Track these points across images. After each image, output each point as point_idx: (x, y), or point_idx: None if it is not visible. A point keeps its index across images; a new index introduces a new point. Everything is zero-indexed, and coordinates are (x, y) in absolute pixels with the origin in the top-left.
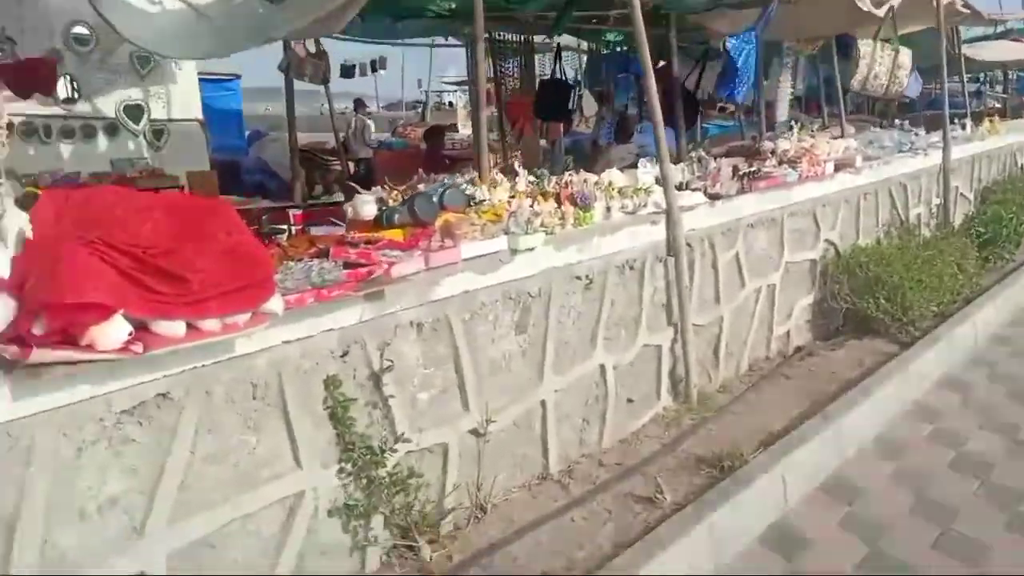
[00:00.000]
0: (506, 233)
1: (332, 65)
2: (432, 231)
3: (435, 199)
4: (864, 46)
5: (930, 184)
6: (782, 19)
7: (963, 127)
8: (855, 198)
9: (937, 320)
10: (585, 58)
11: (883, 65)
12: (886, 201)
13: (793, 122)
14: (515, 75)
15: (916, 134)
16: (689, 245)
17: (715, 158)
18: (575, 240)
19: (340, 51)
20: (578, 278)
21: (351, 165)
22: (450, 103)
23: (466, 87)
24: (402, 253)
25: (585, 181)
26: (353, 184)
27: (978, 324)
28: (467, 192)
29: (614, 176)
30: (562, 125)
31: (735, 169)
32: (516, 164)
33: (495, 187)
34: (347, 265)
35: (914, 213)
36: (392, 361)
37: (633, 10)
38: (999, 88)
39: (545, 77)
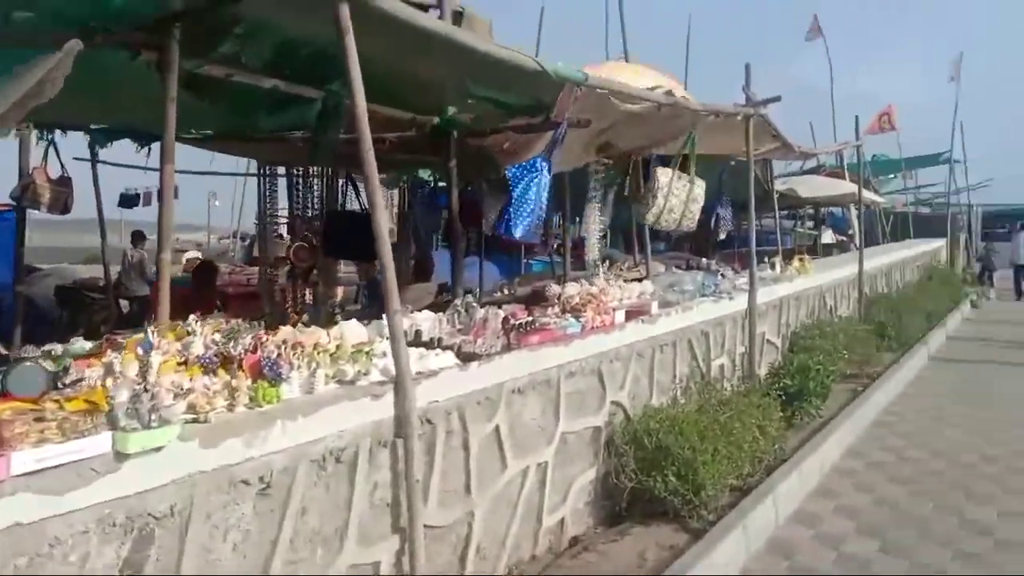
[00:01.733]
0: (115, 428)
1: (112, 192)
2: None
3: None
4: (662, 175)
5: (735, 331)
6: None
7: (772, 267)
8: (649, 351)
9: (736, 496)
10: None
11: (678, 197)
12: (685, 353)
13: (599, 261)
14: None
15: (722, 275)
16: (430, 421)
17: (487, 307)
18: (241, 429)
19: (122, 177)
20: (246, 483)
21: (126, 303)
22: (280, 235)
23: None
24: None
25: (284, 342)
26: None
27: (779, 500)
28: (52, 368)
29: (349, 330)
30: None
31: (505, 321)
32: (194, 319)
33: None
34: None
35: (716, 364)
36: None
37: (359, 122)
38: (810, 224)
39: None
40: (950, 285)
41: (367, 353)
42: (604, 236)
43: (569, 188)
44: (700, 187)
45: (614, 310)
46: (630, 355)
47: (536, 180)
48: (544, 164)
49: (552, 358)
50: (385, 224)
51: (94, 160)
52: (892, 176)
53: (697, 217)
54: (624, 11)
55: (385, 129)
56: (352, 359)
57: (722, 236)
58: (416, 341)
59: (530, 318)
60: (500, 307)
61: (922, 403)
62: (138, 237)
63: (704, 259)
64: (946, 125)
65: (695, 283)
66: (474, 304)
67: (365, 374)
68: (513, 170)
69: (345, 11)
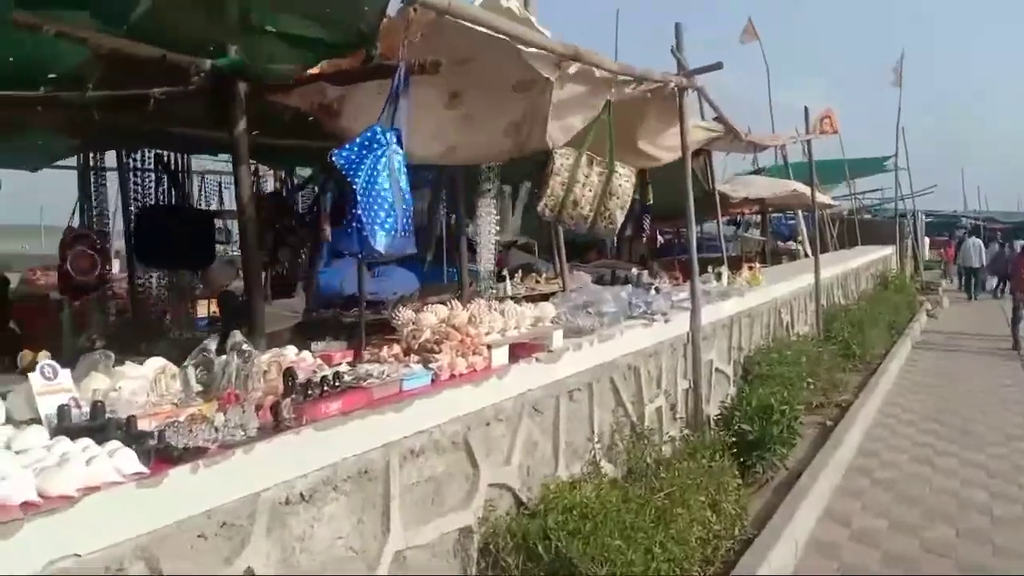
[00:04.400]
0: None
1: None
2: None
3: None
4: (562, 157)
5: (674, 362)
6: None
7: (718, 277)
8: (551, 402)
9: None
10: None
11: (589, 189)
12: (607, 398)
13: (495, 273)
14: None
15: (656, 289)
16: None
17: (274, 350)
18: None
19: None
20: None
21: None
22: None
23: None
24: None
25: None
26: None
27: None
28: None
29: None
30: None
31: (288, 375)
32: None
33: None
34: None
35: (651, 409)
36: None
37: None
38: (756, 231)
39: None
40: (906, 293)
41: None
42: (515, 243)
43: (464, 180)
44: (626, 178)
45: (490, 347)
46: (519, 411)
47: (383, 160)
48: (389, 134)
49: (372, 434)
50: None
51: None
52: (839, 183)
53: (620, 218)
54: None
55: (132, 77)
56: None
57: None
58: (90, 423)
59: (342, 367)
60: (310, 347)
61: (901, 439)
62: None
63: (635, 268)
64: (882, 132)
65: (619, 302)
66: (245, 347)
67: None
68: (343, 153)
69: None
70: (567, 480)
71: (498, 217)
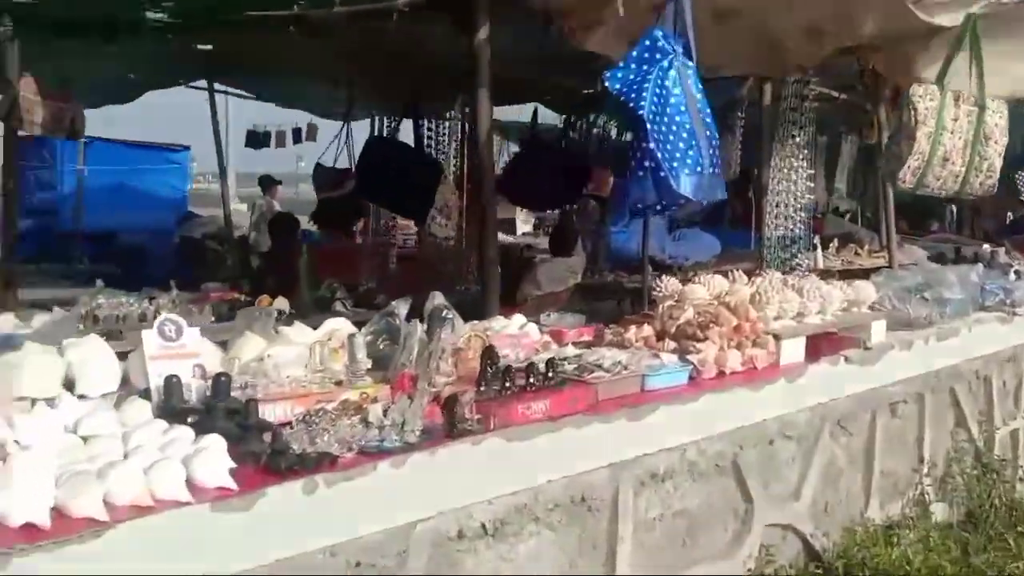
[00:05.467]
0: None
1: (239, 131)
2: None
3: None
4: (925, 98)
5: None
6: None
7: None
8: (863, 418)
9: None
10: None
11: (959, 136)
12: (944, 415)
13: (799, 240)
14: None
15: (1016, 272)
16: None
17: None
18: None
19: (252, 114)
20: None
21: (255, 261)
22: None
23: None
24: None
25: None
26: None
27: None
28: None
29: None
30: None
31: (487, 357)
32: None
33: None
34: None
35: (1004, 433)
36: None
37: None
38: None
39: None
40: None
41: None
42: (835, 208)
43: (768, 127)
44: (999, 114)
45: (778, 338)
46: (817, 428)
47: (672, 74)
48: (673, 41)
49: (594, 448)
50: None
51: (211, 89)
52: None
53: (999, 166)
54: None
55: None
56: None
57: None
58: (200, 405)
59: (568, 348)
60: (539, 320)
61: None
62: (268, 183)
63: (986, 245)
64: None
65: (967, 287)
66: (446, 314)
67: None
68: (617, 74)
69: None
70: (881, 524)
71: (811, 172)
